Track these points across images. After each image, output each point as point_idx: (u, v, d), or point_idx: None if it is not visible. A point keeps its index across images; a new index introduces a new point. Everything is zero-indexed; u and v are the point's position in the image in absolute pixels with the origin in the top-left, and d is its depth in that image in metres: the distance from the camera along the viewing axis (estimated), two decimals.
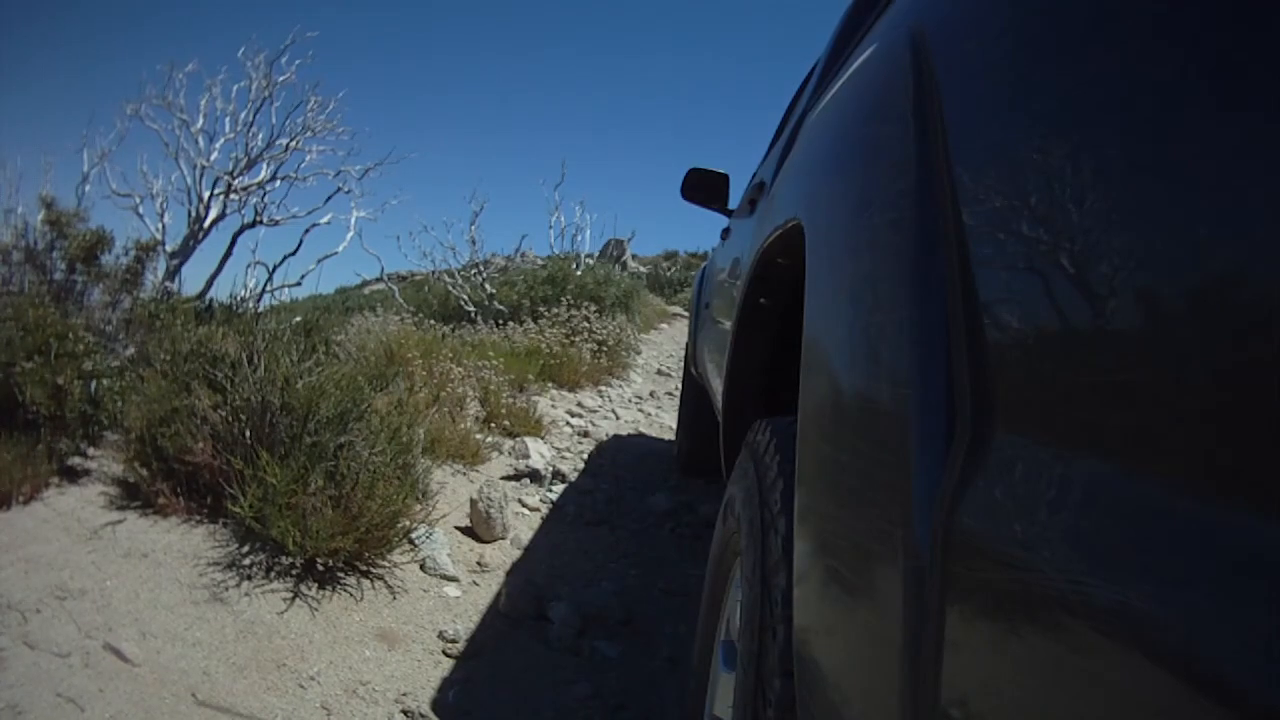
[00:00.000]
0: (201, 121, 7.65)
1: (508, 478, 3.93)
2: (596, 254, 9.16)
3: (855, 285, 0.70)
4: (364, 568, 2.57)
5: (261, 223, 6.87)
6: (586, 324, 6.80)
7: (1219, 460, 0.31)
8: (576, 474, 4.17)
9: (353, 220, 8.21)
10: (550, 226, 9.02)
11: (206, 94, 7.83)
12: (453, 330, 6.80)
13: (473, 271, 7.54)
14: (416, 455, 3.27)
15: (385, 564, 2.61)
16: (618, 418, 5.63)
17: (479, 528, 3.06)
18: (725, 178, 3.09)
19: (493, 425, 4.72)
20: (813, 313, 0.82)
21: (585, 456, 4.53)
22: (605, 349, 6.81)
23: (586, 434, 5.00)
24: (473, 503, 3.10)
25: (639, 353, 8.72)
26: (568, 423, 5.22)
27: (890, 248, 0.62)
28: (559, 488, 3.88)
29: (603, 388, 6.54)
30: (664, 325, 12.09)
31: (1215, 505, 0.31)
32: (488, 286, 7.36)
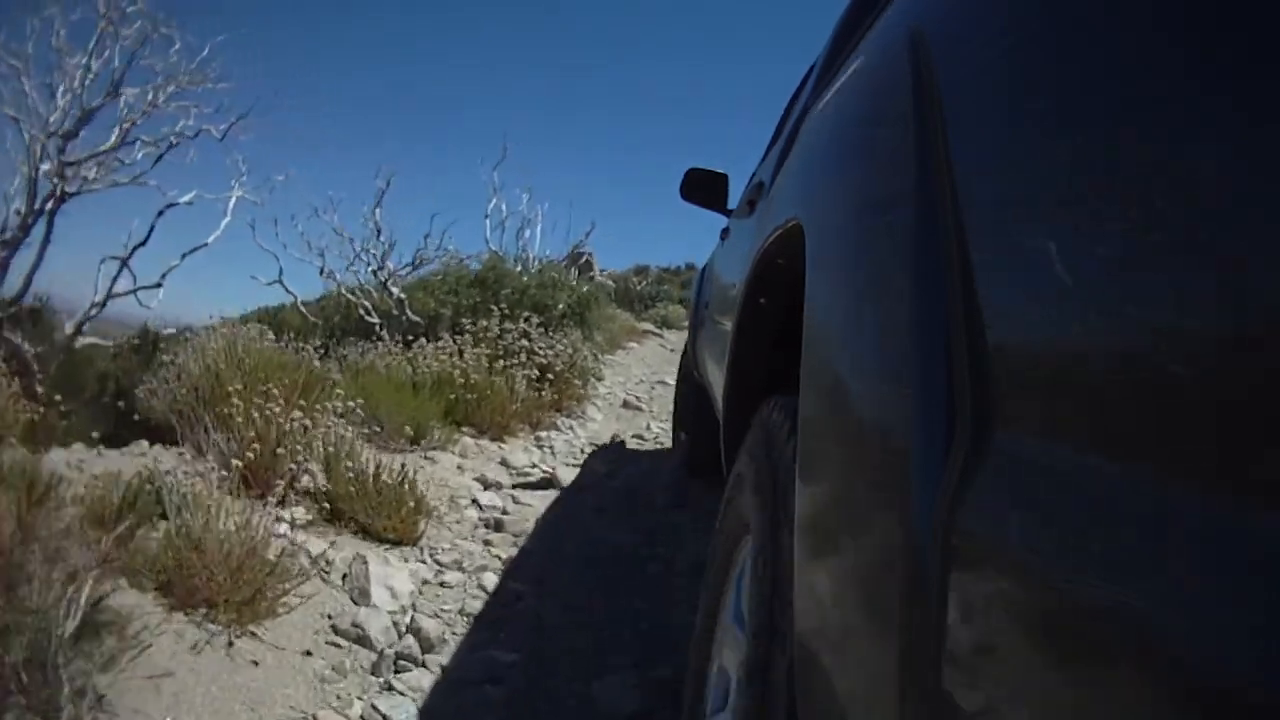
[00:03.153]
0: (64, 81, 5.69)
1: (325, 641, 1.99)
2: (553, 257, 7.19)
3: (855, 285, 0.71)
4: None
5: (70, 194, 4.90)
6: (525, 342, 4.88)
7: (1219, 460, 0.30)
8: (464, 625, 2.24)
9: (231, 203, 6.26)
10: (486, 216, 7.04)
11: (53, 32, 5.87)
12: (330, 350, 4.86)
13: (375, 270, 5.56)
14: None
15: None
16: (556, 487, 3.70)
17: None
18: (724, 178, 2.99)
19: (336, 520, 2.78)
20: (813, 313, 0.82)
21: (485, 579, 2.58)
22: (551, 377, 4.90)
23: (499, 525, 3.06)
24: None
25: (600, 379, 6.82)
26: (474, 501, 3.27)
27: (890, 248, 0.62)
28: (415, 675, 1.94)
29: (545, 432, 4.61)
30: (633, 344, 10.20)
31: (1216, 504, 0.30)
32: (393, 289, 5.39)
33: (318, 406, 3.34)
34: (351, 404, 3.26)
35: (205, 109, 6.00)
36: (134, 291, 5.70)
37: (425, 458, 3.65)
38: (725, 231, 3.00)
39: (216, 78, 5.94)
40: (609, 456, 4.49)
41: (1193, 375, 0.32)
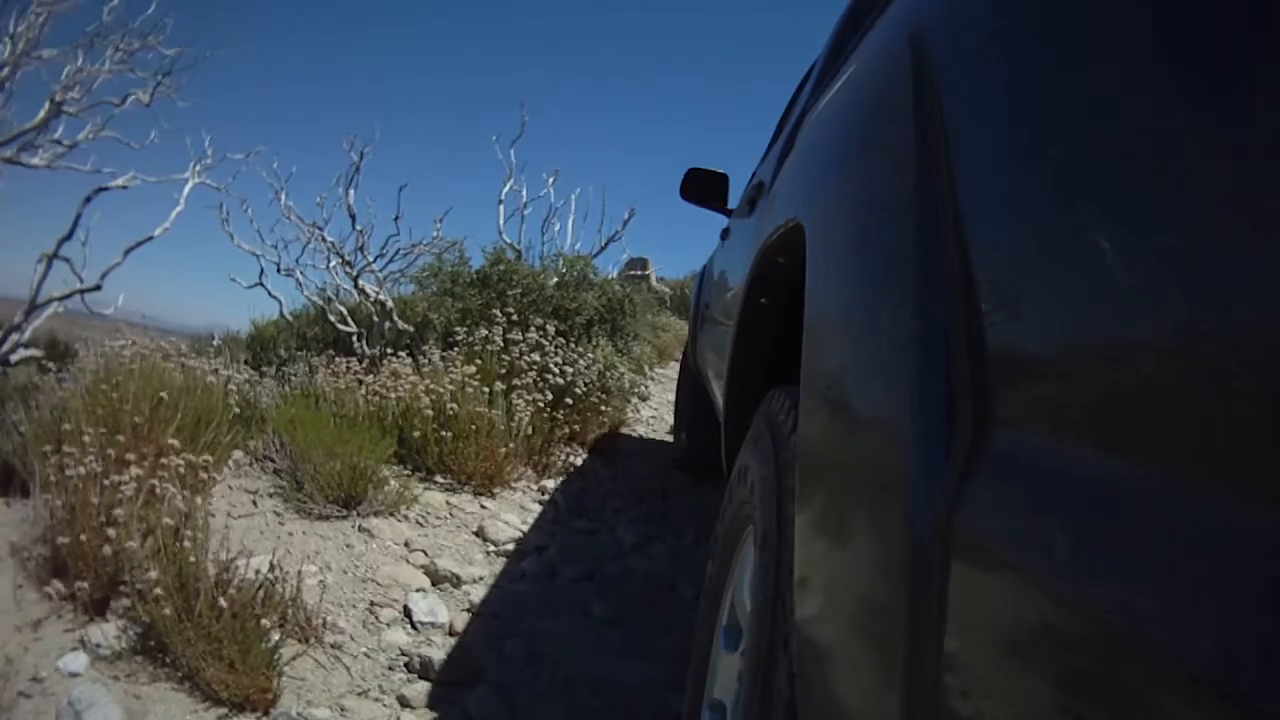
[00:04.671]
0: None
1: None
2: (583, 252, 5.90)
3: (855, 285, 0.71)
4: None
5: None
6: (537, 358, 3.69)
7: (1220, 458, 0.30)
8: None
9: (186, 188, 5.23)
10: (500, 201, 5.72)
11: None
12: (279, 370, 3.76)
13: (344, 263, 4.40)
14: None
15: None
16: (552, 577, 2.47)
17: None
18: (724, 178, 2.97)
19: (161, 653, 1.65)
20: (813, 313, 0.82)
21: None
22: (571, 403, 3.70)
23: (427, 665, 1.84)
24: None
25: (644, 399, 5.62)
26: (407, 612, 2.06)
27: (890, 247, 0.62)
28: None
29: (553, 480, 3.40)
30: None
31: (1216, 504, 0.30)
32: (369, 290, 4.25)
33: (185, 456, 2.21)
34: (237, 454, 2.10)
35: (141, 73, 5.03)
36: (78, 293, 4.74)
37: (360, 529, 2.47)
38: (725, 231, 2.93)
39: (166, 40, 4.95)
40: (641, 513, 3.26)
41: (1193, 374, 0.31)
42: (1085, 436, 0.37)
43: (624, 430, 4.61)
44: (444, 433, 2.96)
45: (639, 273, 12.18)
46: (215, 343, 6.51)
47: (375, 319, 4.30)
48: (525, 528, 2.79)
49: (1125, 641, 0.31)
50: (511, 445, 3.13)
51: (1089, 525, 0.35)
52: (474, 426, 3.02)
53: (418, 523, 2.66)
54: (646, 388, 5.85)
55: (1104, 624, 0.32)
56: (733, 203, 2.90)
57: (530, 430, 3.32)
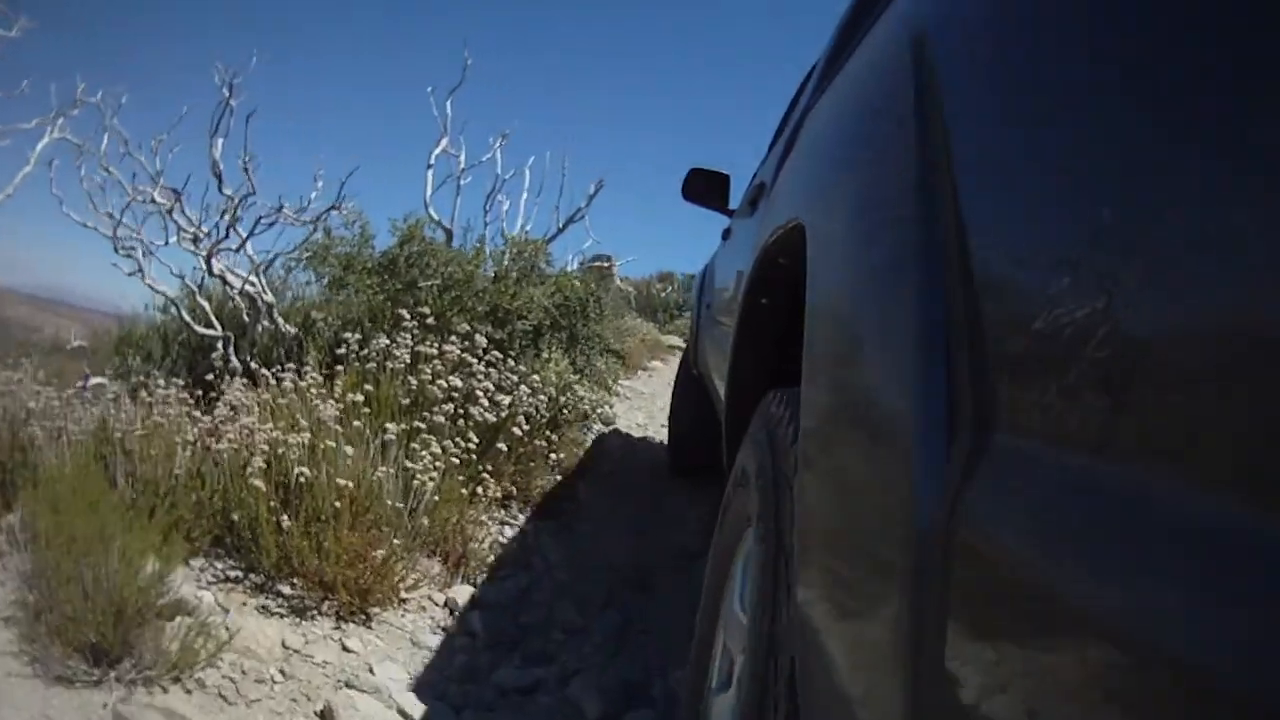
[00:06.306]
0: None
1: None
2: (534, 237, 4.65)
3: (856, 285, 0.71)
4: None
5: None
6: (458, 382, 2.54)
7: (1220, 460, 0.29)
8: None
9: (41, 144, 3.93)
10: (429, 165, 4.33)
11: None
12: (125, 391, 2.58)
13: (193, 238, 3.16)
14: None
15: None
16: None
17: None
18: (726, 178, 2.92)
19: None
20: (814, 313, 0.82)
21: None
22: (508, 448, 2.56)
23: None
24: None
25: (609, 422, 4.52)
26: None
27: (891, 247, 0.62)
28: None
29: (471, 583, 2.25)
30: (656, 363, 7.86)
31: (1216, 505, 0.29)
32: (232, 277, 3.03)
33: None
34: None
35: None
36: None
37: (114, 714, 1.31)
38: (727, 232, 2.87)
39: None
40: (610, 630, 2.13)
41: (1194, 374, 0.31)
42: (1087, 436, 0.37)
43: (585, 470, 3.49)
44: (283, 518, 1.79)
45: (604, 265, 11.08)
46: (74, 344, 5.26)
47: (247, 318, 3.10)
48: (414, 691, 1.64)
49: (1126, 641, 0.31)
50: (399, 540, 1.97)
51: (1090, 525, 0.35)
52: (337, 504, 1.86)
53: (220, 695, 1.50)
54: (611, 407, 4.74)
55: (1104, 624, 0.32)
56: (733, 203, 2.84)
57: (439, 497, 2.17)
